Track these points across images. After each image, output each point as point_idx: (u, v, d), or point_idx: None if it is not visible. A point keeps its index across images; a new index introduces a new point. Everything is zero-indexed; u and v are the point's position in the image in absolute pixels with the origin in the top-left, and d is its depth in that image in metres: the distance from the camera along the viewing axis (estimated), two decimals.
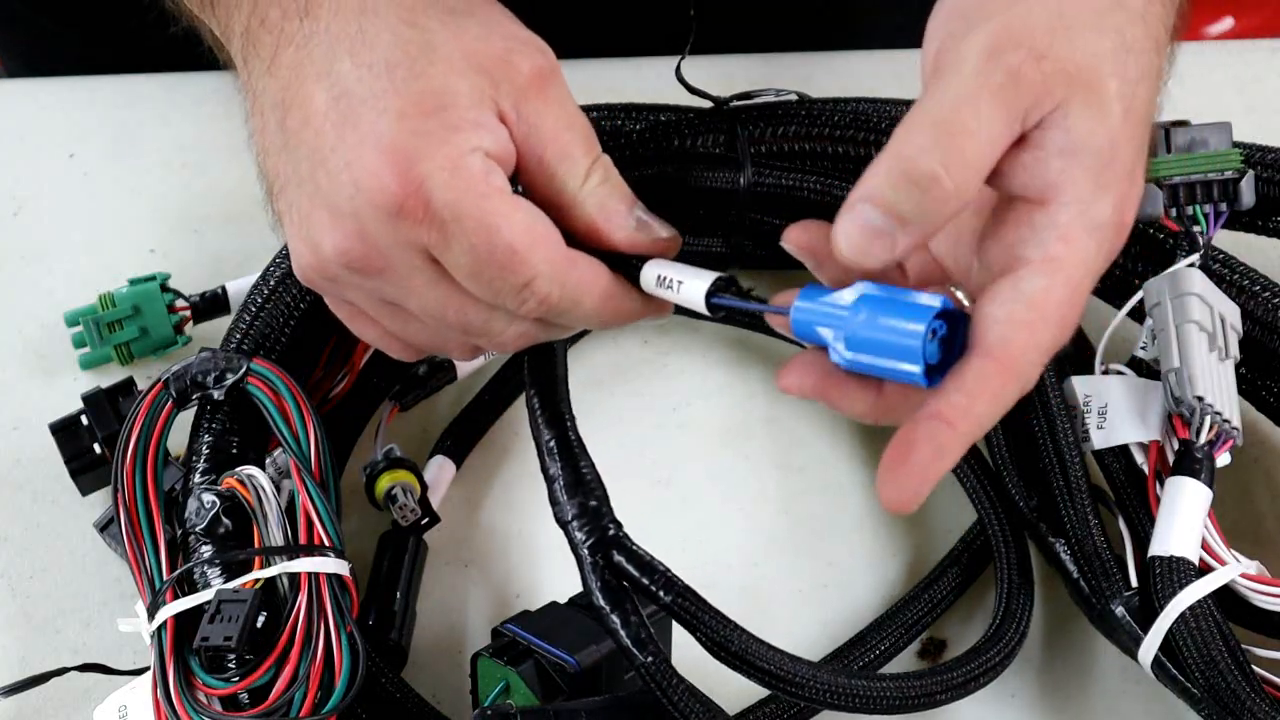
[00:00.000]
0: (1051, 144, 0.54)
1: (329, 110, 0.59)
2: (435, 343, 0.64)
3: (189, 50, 0.70)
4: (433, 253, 0.59)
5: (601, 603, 0.61)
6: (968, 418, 0.53)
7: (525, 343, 0.63)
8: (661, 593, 0.61)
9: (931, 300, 0.52)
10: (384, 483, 0.73)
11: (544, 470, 0.63)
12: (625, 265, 0.61)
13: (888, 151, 0.54)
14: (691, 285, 0.58)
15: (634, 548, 0.62)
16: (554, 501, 0.63)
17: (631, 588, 0.61)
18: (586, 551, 0.61)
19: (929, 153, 0.53)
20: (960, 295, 0.56)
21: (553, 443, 0.63)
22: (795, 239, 0.58)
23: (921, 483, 0.52)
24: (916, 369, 0.52)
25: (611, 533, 0.62)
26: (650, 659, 0.60)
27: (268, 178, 0.62)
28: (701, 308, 0.58)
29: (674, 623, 0.68)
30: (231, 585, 0.65)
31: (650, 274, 0.60)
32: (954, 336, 0.53)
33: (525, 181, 0.61)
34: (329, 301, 0.65)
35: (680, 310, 0.61)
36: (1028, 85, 0.54)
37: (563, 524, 0.62)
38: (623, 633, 0.60)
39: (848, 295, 0.54)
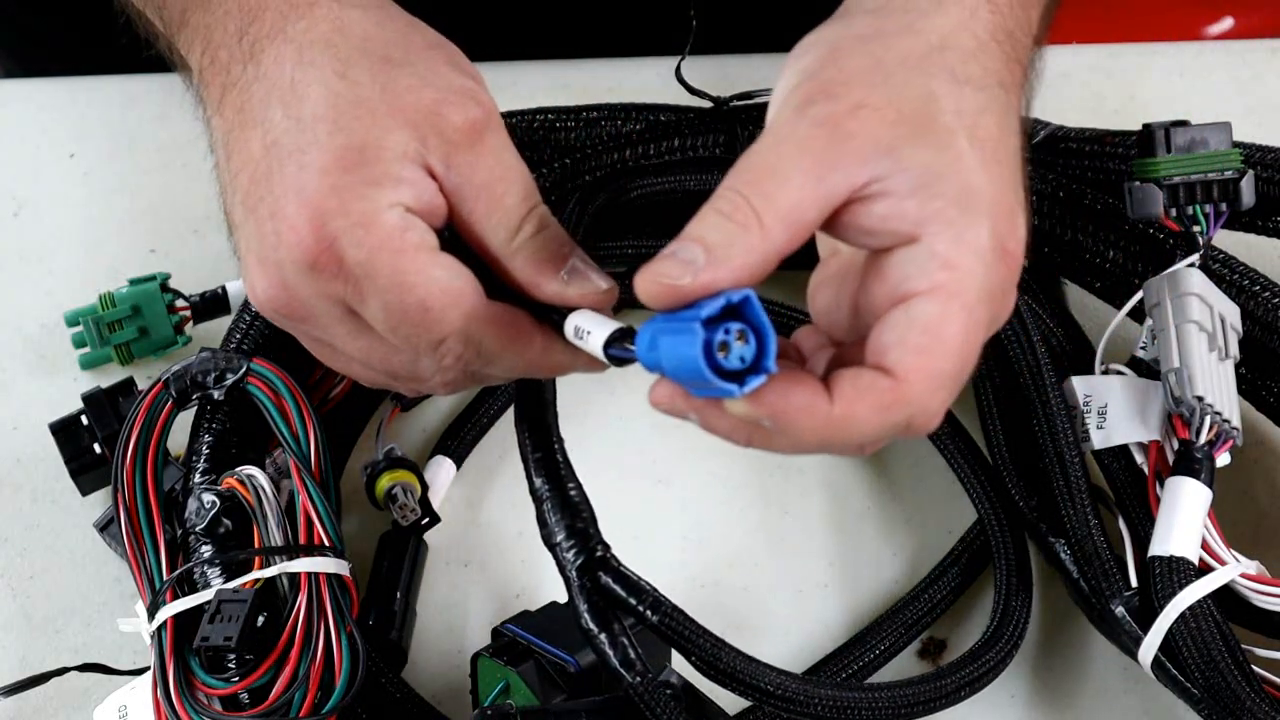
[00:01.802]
0: (898, 188, 0.53)
1: (261, 158, 0.59)
2: (378, 382, 0.64)
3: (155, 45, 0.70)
4: (351, 306, 0.59)
5: (590, 625, 0.61)
6: (839, 418, 0.52)
7: (455, 389, 0.63)
8: (650, 613, 0.61)
9: (697, 312, 0.50)
10: (384, 482, 0.73)
11: (532, 491, 0.63)
12: (551, 315, 0.59)
13: (701, 207, 0.53)
14: (597, 336, 0.57)
15: (621, 569, 0.62)
16: (542, 523, 0.63)
17: (619, 609, 0.61)
18: (575, 573, 0.61)
19: (733, 190, 0.53)
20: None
21: (540, 464, 0.63)
22: (659, 397, 0.54)
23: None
24: (721, 384, 0.50)
25: (599, 554, 0.62)
26: (638, 679, 0.60)
27: (224, 213, 0.63)
28: (603, 359, 0.57)
29: None
30: (231, 585, 0.65)
31: (570, 326, 0.58)
32: (755, 324, 0.51)
33: (462, 234, 0.60)
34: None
35: None
36: (842, 133, 0.53)
37: (550, 546, 0.62)
38: (611, 654, 0.60)
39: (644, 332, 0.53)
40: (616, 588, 0.61)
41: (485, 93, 0.61)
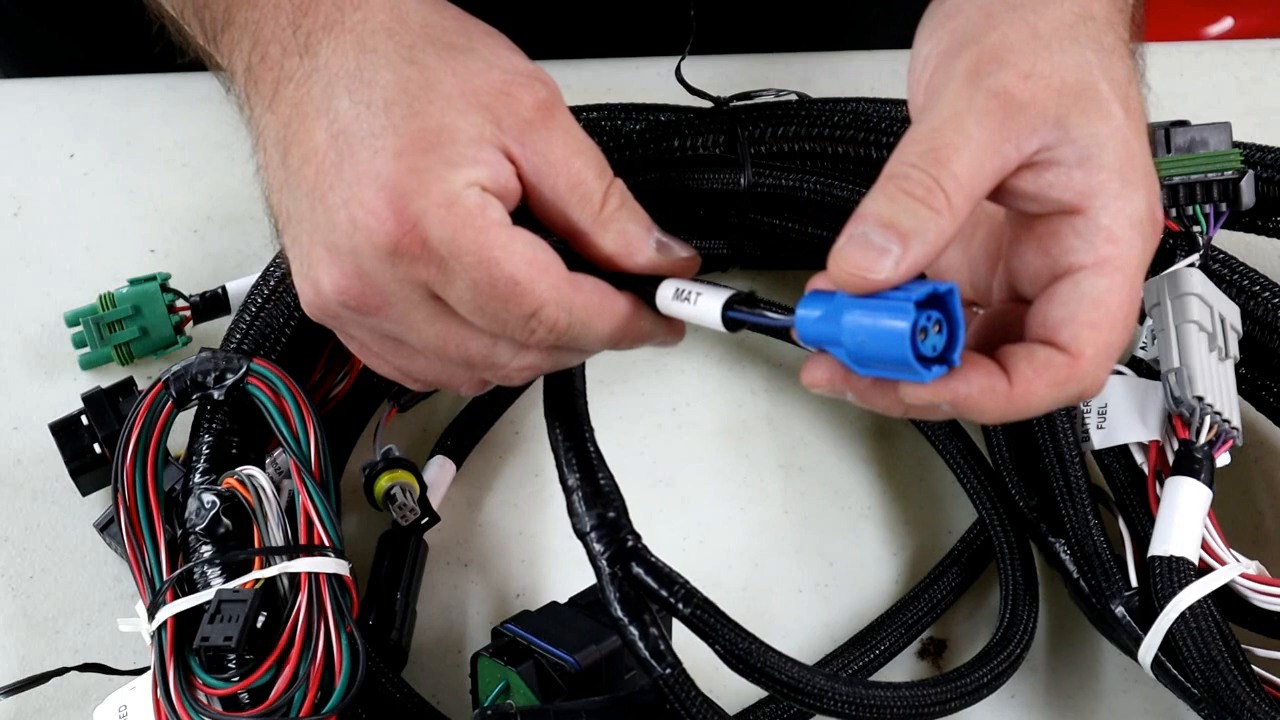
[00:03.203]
0: (1066, 158, 0.55)
1: (328, 148, 0.58)
2: (441, 378, 0.64)
3: (188, 52, 0.70)
4: (434, 289, 0.59)
5: (620, 614, 0.61)
6: (1018, 397, 0.53)
7: (531, 375, 0.63)
8: (680, 605, 0.61)
9: (908, 296, 0.51)
10: (383, 483, 0.73)
11: (562, 481, 0.63)
12: (637, 284, 0.60)
13: (881, 176, 0.54)
14: (709, 299, 0.57)
15: (653, 559, 0.62)
16: (572, 513, 0.62)
17: (650, 599, 0.61)
18: (605, 563, 0.61)
19: (920, 169, 0.53)
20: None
21: (571, 453, 0.63)
22: (817, 379, 0.55)
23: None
24: (917, 370, 0.51)
25: (630, 544, 0.62)
26: (669, 670, 0.60)
27: (273, 213, 0.62)
28: (718, 323, 0.57)
29: (674, 622, 0.68)
30: (232, 585, 0.65)
31: (667, 290, 0.59)
32: (951, 316, 0.52)
33: (540, 214, 0.60)
34: (339, 336, 0.65)
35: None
36: (1015, 104, 0.54)
37: (581, 535, 0.62)
38: (640, 644, 0.60)
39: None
40: (648, 578, 0.61)
41: (546, 74, 0.61)
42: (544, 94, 0.60)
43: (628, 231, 0.60)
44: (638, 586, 0.61)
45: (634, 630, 0.60)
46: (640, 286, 0.60)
